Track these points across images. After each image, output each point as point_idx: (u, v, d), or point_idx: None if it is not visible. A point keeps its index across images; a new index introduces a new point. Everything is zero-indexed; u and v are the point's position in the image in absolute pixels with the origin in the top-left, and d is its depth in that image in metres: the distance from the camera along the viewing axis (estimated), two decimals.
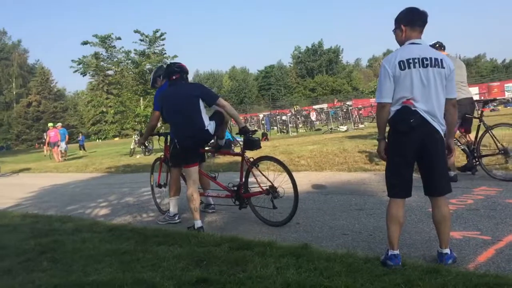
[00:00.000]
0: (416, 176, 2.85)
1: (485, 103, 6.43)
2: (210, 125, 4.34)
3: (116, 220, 5.36)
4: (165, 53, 20.01)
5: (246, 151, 4.39)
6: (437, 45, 5.58)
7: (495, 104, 24.46)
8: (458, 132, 5.60)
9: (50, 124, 21.87)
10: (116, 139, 53.02)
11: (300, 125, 25.16)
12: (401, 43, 2.88)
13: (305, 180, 6.60)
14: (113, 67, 19.80)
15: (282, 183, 4.13)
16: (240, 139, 4.55)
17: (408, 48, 2.78)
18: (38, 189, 9.54)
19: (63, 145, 19.89)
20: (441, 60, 2.75)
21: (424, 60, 2.72)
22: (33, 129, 64.68)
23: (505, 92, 34.62)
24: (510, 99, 30.08)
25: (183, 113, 4.26)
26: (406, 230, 3.52)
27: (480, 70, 64.84)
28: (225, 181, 4.74)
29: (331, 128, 19.96)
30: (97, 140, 61.88)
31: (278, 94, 72.47)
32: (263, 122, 26.59)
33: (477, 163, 5.58)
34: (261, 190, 4.26)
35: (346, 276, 2.58)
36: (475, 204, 4.30)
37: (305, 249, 3.20)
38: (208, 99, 4.31)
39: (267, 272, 2.75)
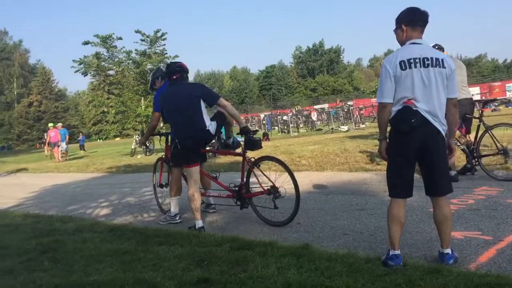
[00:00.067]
0: (417, 176, 2.85)
1: (485, 103, 6.44)
2: (211, 126, 4.34)
3: (117, 220, 5.37)
4: (166, 53, 20.01)
5: (247, 151, 4.39)
6: (436, 48, 5.57)
7: (496, 104, 24.42)
8: (458, 132, 5.61)
9: (50, 124, 21.92)
10: (117, 139, 53.08)
11: (301, 125, 25.13)
12: (402, 43, 2.88)
13: (306, 180, 6.60)
14: (114, 67, 19.78)
15: (284, 183, 4.13)
16: (241, 139, 4.55)
17: (409, 48, 2.78)
18: (39, 189, 9.56)
19: (63, 145, 19.90)
20: (442, 60, 2.75)
21: (425, 60, 2.72)
22: (34, 129, 64.83)
23: (507, 92, 34.57)
24: (511, 99, 30.01)
25: (183, 113, 4.27)
26: (407, 230, 3.52)
27: (481, 70, 64.70)
28: (226, 181, 4.74)
29: (332, 128, 19.94)
30: (98, 140, 61.89)
31: (279, 94, 72.45)
32: (264, 122, 26.55)
33: (477, 163, 5.58)
34: (262, 190, 4.26)
35: (347, 276, 2.58)
36: (476, 204, 4.30)
37: (306, 249, 3.20)
38: (209, 99, 4.32)
39: (268, 272, 2.75)
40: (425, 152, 2.76)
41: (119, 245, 3.71)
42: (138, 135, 18.09)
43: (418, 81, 2.71)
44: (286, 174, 4.13)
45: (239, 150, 4.58)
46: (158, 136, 5.46)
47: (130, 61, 19.39)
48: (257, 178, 4.33)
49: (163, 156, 5.32)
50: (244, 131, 4.34)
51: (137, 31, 19.03)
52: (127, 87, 19.33)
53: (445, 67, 2.74)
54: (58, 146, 19.37)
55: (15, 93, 70.60)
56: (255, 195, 4.39)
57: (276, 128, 25.25)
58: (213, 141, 4.81)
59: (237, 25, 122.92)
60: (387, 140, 2.90)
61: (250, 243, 3.44)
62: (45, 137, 23.12)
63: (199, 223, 4.17)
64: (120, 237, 4.05)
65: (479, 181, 5.32)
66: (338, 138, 13.40)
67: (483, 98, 24.55)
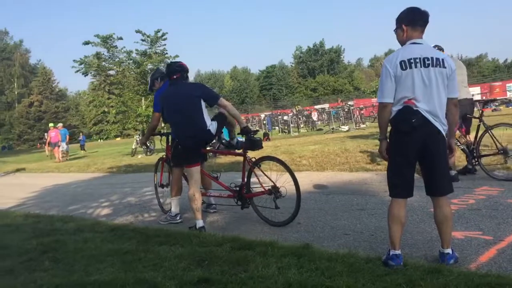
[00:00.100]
0: (417, 176, 2.85)
1: (485, 103, 6.44)
2: (211, 126, 4.34)
3: (118, 220, 5.37)
4: (166, 53, 20.02)
5: (247, 151, 4.40)
6: (436, 48, 5.57)
7: (497, 104, 24.40)
8: (458, 132, 5.60)
9: (51, 124, 21.93)
10: (118, 139, 53.05)
11: (302, 125, 25.10)
12: (402, 43, 2.88)
13: (307, 180, 6.60)
14: (115, 67, 19.79)
15: (284, 183, 4.13)
16: (241, 139, 4.56)
17: (410, 48, 2.78)
18: (40, 189, 9.56)
19: (64, 145, 19.92)
20: (443, 59, 2.75)
21: (426, 60, 2.72)
22: (34, 129, 64.85)
23: (507, 92, 34.51)
24: (511, 99, 29.97)
25: (183, 112, 4.27)
26: (407, 230, 3.52)
27: (482, 70, 64.63)
28: (227, 181, 4.75)
29: (332, 128, 19.92)
30: (99, 140, 61.96)
31: (280, 94, 72.41)
32: (264, 122, 26.52)
33: (477, 163, 5.58)
34: (263, 190, 4.26)
35: (347, 276, 2.58)
36: (476, 204, 4.30)
37: (307, 249, 3.20)
38: (209, 99, 4.32)
39: (268, 272, 2.75)
40: (425, 152, 2.76)
41: (120, 245, 3.71)
42: (139, 135, 18.09)
43: (419, 81, 2.71)
44: (287, 174, 4.13)
45: (239, 150, 4.59)
46: (159, 136, 5.47)
47: (131, 61, 19.40)
48: (258, 178, 4.33)
49: (164, 156, 5.32)
50: (244, 131, 4.34)
51: (138, 31, 19.06)
52: (127, 87, 19.34)
53: (445, 67, 2.75)
54: (59, 146, 19.38)
55: (16, 93, 70.65)
56: (256, 195, 4.39)
57: (277, 128, 25.25)
58: (214, 141, 4.81)
59: (237, 25, 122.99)
60: (388, 140, 2.90)
61: (250, 243, 3.44)
62: (46, 137, 23.13)
63: (199, 223, 4.18)
64: (121, 237, 4.05)
65: (480, 181, 5.32)
66: (339, 138, 13.38)
67: (484, 98, 24.51)
